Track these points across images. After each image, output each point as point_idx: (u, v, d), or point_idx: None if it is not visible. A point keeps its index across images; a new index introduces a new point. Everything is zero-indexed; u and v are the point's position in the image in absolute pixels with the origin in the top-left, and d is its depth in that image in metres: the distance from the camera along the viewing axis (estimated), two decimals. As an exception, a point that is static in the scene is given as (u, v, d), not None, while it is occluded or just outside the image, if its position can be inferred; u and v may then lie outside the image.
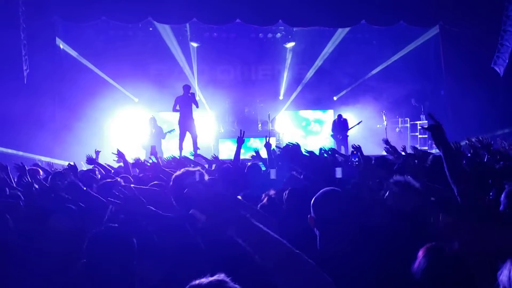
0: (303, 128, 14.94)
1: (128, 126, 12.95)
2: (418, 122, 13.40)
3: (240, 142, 5.14)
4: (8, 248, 2.28)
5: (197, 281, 1.18)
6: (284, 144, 5.63)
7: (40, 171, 5.74)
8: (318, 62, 14.01)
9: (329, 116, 14.82)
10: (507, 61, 10.79)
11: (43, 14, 10.22)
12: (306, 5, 10.92)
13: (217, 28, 13.62)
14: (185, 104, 10.20)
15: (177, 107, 10.28)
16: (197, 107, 10.45)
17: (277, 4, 10.94)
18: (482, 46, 11.12)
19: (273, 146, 10.75)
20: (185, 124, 10.24)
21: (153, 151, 6.26)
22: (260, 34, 14.23)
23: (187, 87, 10.37)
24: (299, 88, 14.43)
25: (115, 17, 10.98)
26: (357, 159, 5.54)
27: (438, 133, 2.43)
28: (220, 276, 1.18)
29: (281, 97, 14.67)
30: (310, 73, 14.40)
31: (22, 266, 2.18)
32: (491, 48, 11.12)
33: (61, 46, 11.50)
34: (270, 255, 1.24)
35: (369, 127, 13.18)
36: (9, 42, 9.68)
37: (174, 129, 11.23)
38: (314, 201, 2.04)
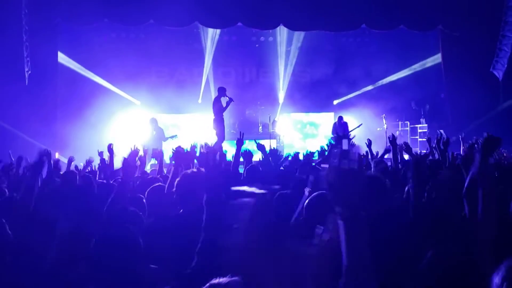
0: (300, 130, 14.97)
1: (129, 128, 12.97)
2: (418, 125, 13.44)
3: (239, 144, 5.17)
4: (8, 250, 2.27)
5: (216, 280, 1.21)
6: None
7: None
8: (319, 66, 14.06)
9: (323, 119, 14.86)
10: (505, 65, 10.85)
11: (46, 16, 10.27)
12: (307, 9, 10.98)
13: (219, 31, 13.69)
14: (216, 106, 10.49)
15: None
16: (223, 109, 10.57)
17: (278, 8, 10.99)
18: (482, 51, 11.19)
19: (274, 147, 10.75)
20: (216, 128, 10.46)
21: (155, 153, 6.30)
22: (261, 38, 14.30)
23: (219, 90, 10.61)
24: (299, 91, 14.48)
25: (117, 20, 11.05)
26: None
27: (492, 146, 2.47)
28: (235, 278, 1.22)
29: (281, 100, 14.70)
30: (310, 77, 14.47)
31: (22, 268, 2.19)
32: (490, 52, 11.19)
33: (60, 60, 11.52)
34: None
35: (369, 130, 13.21)
36: (12, 43, 9.74)
37: (176, 135, 11.27)
38: (307, 204, 2.07)
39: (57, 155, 8.06)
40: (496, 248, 1.90)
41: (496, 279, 1.32)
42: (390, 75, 13.87)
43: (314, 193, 2.14)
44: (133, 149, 3.56)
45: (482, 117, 10.97)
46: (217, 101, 10.56)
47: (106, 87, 12.66)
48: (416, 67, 13.43)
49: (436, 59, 12.85)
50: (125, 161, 2.95)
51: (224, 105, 10.49)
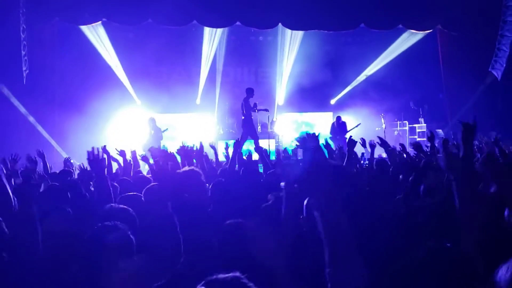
0: (296, 130, 14.91)
1: (128, 128, 12.95)
2: (416, 125, 13.45)
3: (237, 145, 5.19)
4: (5, 248, 2.23)
5: (213, 277, 1.21)
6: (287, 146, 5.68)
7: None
8: (317, 65, 14.04)
9: (318, 118, 14.85)
10: (504, 65, 10.86)
11: (44, 16, 10.23)
12: (305, 8, 10.97)
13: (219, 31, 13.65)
14: (245, 106, 10.71)
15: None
16: (253, 110, 10.89)
17: (277, 7, 10.98)
18: (480, 50, 11.19)
19: (272, 149, 10.70)
20: (245, 127, 10.66)
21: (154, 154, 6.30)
22: (260, 37, 14.28)
23: (247, 90, 10.85)
24: (297, 91, 14.46)
25: (116, 19, 11.00)
26: (367, 161, 5.44)
27: (470, 133, 2.48)
28: (235, 273, 1.22)
29: (279, 100, 14.66)
30: (309, 77, 14.43)
31: (17, 269, 2.16)
32: (489, 52, 11.19)
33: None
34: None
35: (367, 130, 13.19)
36: (9, 42, 9.70)
37: (167, 129, 11.41)
38: (307, 202, 2.07)
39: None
40: (492, 251, 1.89)
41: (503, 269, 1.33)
42: (388, 70, 13.77)
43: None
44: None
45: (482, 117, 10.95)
46: (246, 101, 10.79)
47: (109, 84, 12.51)
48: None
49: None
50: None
51: (251, 105, 10.81)
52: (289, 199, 2.19)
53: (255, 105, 11.00)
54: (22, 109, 10.02)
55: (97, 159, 3.08)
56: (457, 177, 2.20)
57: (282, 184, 2.33)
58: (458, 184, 2.20)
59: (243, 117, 10.88)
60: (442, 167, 2.40)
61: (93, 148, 3.26)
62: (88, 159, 3.14)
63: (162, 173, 2.14)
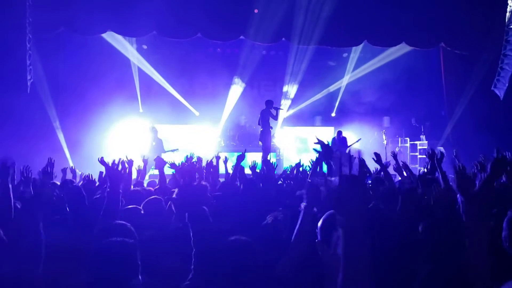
0: (294, 144, 14.89)
1: (128, 137, 12.94)
2: (418, 142, 13.44)
3: (240, 159, 5.22)
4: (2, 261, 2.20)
5: None
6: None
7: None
8: (318, 78, 14.14)
9: (315, 133, 14.77)
10: (507, 84, 10.89)
11: (50, 26, 10.32)
12: (308, 24, 11.07)
13: (221, 44, 13.77)
14: (264, 118, 10.64)
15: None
16: (275, 119, 10.81)
17: (281, 23, 11.07)
18: (483, 69, 11.24)
19: (273, 160, 10.66)
20: (264, 140, 10.60)
21: (158, 163, 6.25)
22: (263, 52, 14.38)
23: (267, 102, 10.75)
24: (300, 105, 14.52)
25: (121, 31, 11.10)
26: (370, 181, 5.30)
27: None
28: None
29: (284, 114, 14.68)
30: (310, 91, 14.50)
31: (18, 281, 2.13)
32: (492, 71, 11.24)
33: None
34: None
35: (368, 146, 13.18)
36: (15, 52, 9.77)
37: (177, 149, 11.07)
38: (321, 224, 2.03)
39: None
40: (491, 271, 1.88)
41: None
42: (391, 86, 13.81)
43: (328, 213, 2.08)
44: (125, 159, 3.52)
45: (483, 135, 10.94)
46: (265, 113, 10.68)
47: (109, 95, 12.55)
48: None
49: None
50: (110, 171, 2.89)
51: (274, 114, 10.69)
52: (305, 221, 2.17)
53: (276, 110, 10.72)
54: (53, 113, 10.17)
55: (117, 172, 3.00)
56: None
57: (303, 205, 2.31)
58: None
59: (261, 129, 10.75)
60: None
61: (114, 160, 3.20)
62: (110, 169, 3.02)
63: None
